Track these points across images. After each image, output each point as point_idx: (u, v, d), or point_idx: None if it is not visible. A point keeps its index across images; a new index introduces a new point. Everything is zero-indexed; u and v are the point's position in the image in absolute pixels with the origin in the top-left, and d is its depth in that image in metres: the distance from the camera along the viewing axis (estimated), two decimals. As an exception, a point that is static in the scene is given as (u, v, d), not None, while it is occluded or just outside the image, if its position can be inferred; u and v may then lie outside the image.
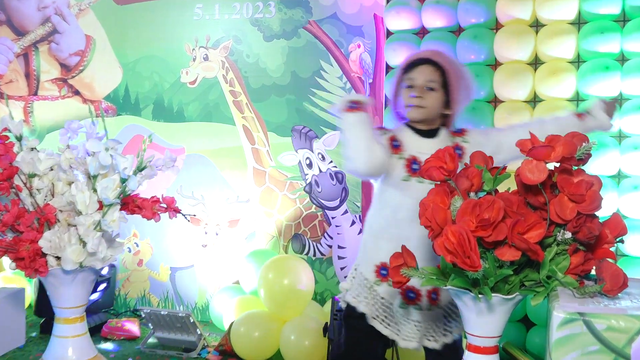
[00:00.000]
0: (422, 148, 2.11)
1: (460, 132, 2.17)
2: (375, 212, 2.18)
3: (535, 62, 3.31)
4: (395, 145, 2.13)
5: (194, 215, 2.00)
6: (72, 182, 1.94)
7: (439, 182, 1.67)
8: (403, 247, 1.69)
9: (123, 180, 1.87)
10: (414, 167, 2.10)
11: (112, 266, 3.96)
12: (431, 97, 2.10)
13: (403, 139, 2.14)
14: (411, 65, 2.14)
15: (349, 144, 2.01)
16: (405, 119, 2.18)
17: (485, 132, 2.18)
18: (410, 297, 2.11)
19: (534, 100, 3.32)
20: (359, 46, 3.91)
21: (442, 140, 2.14)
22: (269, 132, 4.06)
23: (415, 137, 2.13)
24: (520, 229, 1.48)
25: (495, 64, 3.39)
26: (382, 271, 2.14)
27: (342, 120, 2.02)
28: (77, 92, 4.37)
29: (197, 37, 4.13)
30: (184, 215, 2.07)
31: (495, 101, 3.39)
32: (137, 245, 4.24)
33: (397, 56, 3.58)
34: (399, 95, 2.16)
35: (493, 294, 1.51)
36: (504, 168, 1.66)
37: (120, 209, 1.91)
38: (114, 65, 4.28)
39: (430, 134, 2.14)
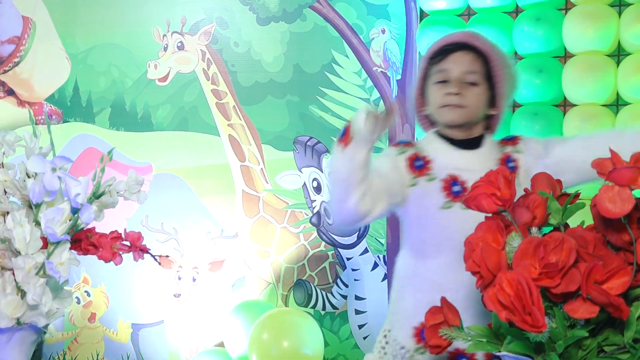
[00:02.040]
0: (462, 163, 2.10)
1: (511, 140, 2.17)
2: (407, 255, 2.17)
3: (618, 54, 3.33)
4: (418, 166, 2.12)
5: (167, 256, 2.01)
6: (8, 213, 1.97)
7: (490, 214, 1.69)
8: (443, 299, 1.70)
9: (75, 211, 1.90)
10: (455, 190, 2.08)
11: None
12: (473, 93, 2.09)
13: (433, 154, 2.13)
14: (442, 52, 2.12)
15: (329, 190, 2.10)
16: (433, 125, 2.18)
17: (545, 143, 2.17)
18: None
19: (617, 104, 3.34)
20: (383, 32, 3.95)
21: (487, 151, 2.13)
22: (263, 145, 4.09)
23: (450, 150, 2.12)
24: (598, 276, 1.49)
25: (564, 56, 3.42)
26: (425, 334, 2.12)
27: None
28: (10, 92, 4.41)
29: (169, 19, 4.18)
30: (153, 256, 2.09)
31: (564, 104, 3.42)
32: (89, 295, 4.26)
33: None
34: (427, 93, 2.15)
35: (562, 363, 1.52)
36: (577, 195, 1.67)
37: (71, 248, 1.93)
38: (59, 57, 4.33)
39: (470, 144, 2.13)
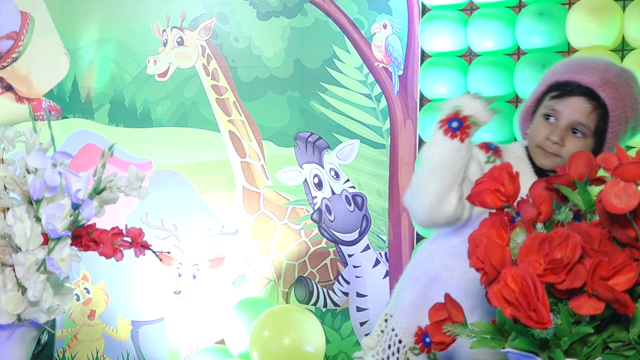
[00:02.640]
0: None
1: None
2: (442, 243, 2.07)
3: (622, 49, 3.33)
4: (493, 148, 2.06)
5: (168, 253, 2.01)
6: (8, 209, 1.97)
7: (494, 210, 1.69)
8: (447, 296, 1.70)
9: (75, 207, 1.90)
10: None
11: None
12: (575, 145, 1.95)
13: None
14: (559, 88, 1.96)
15: (418, 181, 1.96)
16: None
17: None
18: None
19: (620, 99, 3.34)
20: (385, 26, 3.95)
21: None
22: (264, 141, 4.09)
23: (530, 177, 2.00)
24: (603, 272, 1.49)
25: (568, 51, 3.42)
26: (426, 338, 2.05)
27: (430, 142, 1.92)
28: (9, 88, 4.41)
29: (169, 14, 4.18)
30: (154, 252, 2.09)
31: (567, 100, 3.41)
32: (88, 292, 4.26)
33: (435, 39, 3.62)
34: (534, 119, 2.02)
35: (567, 359, 1.52)
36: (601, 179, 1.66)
37: (71, 244, 1.94)
38: (58, 52, 4.33)
39: (543, 173, 2.02)
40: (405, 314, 2.11)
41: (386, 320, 2.18)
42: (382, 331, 2.18)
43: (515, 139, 3.48)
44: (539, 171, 2.03)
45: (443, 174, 1.91)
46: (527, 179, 1.95)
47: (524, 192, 1.95)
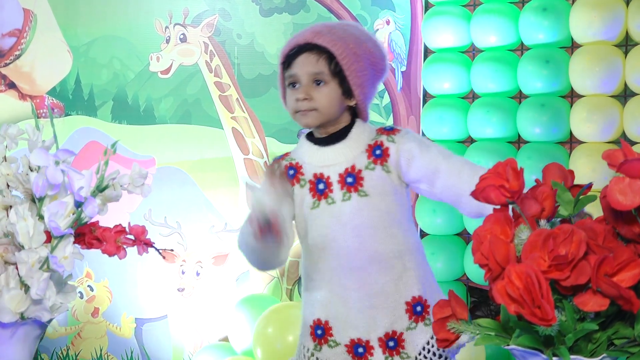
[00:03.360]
0: (327, 159, 2.14)
1: (388, 130, 2.16)
2: (302, 261, 2.26)
3: (626, 44, 3.33)
4: (291, 176, 2.17)
5: (171, 250, 2.01)
6: (11, 207, 1.97)
7: (498, 207, 1.69)
8: (451, 292, 1.70)
9: (78, 204, 1.90)
10: (320, 188, 2.13)
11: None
12: (322, 93, 2.10)
13: (302, 158, 2.17)
14: (289, 57, 2.14)
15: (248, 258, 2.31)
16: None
17: (426, 145, 2.15)
18: (358, 353, 2.13)
19: (624, 95, 3.33)
20: (387, 22, 3.94)
21: (354, 141, 2.14)
22: (267, 138, 4.09)
23: (314, 149, 2.16)
24: (608, 269, 1.49)
25: (571, 46, 3.41)
26: (317, 330, 2.18)
27: None
28: (12, 85, 4.42)
29: (172, 11, 4.18)
30: (157, 249, 2.09)
31: (571, 96, 3.41)
32: (92, 290, 4.27)
33: (438, 35, 3.61)
34: (286, 98, 2.19)
35: (572, 356, 1.52)
36: (589, 187, 1.67)
37: (74, 242, 1.94)
38: (61, 49, 4.33)
39: (336, 137, 2.15)
40: (302, 325, 2.23)
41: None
42: (298, 353, 2.26)
43: (519, 134, 3.48)
44: (321, 140, 2.15)
45: (259, 258, 2.26)
46: (315, 152, 2.15)
47: (324, 160, 2.13)
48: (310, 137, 2.20)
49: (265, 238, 2.06)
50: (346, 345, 2.14)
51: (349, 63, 2.10)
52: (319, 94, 2.10)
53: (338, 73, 2.10)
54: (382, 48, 2.19)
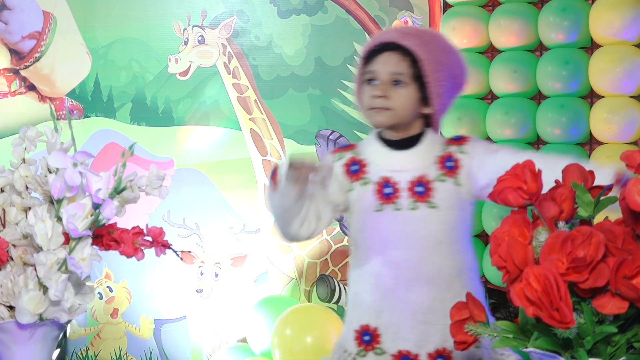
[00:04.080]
0: (396, 164, 2.12)
1: (458, 140, 2.14)
2: (352, 259, 2.21)
3: (647, 44, 3.31)
4: (353, 171, 2.14)
5: (189, 252, 2.02)
6: (30, 208, 1.98)
7: (515, 209, 1.68)
8: (468, 294, 1.70)
9: (96, 206, 1.91)
10: (387, 192, 2.10)
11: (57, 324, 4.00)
12: (399, 94, 2.08)
13: (369, 157, 2.15)
14: (371, 53, 2.13)
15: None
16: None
17: (493, 150, 2.14)
18: None
19: (645, 96, 3.31)
20: (406, 23, 3.93)
21: (425, 150, 2.13)
22: (285, 139, 4.09)
23: (385, 151, 2.13)
24: (627, 271, 1.48)
25: (591, 47, 3.39)
26: (364, 337, 2.13)
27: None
28: (32, 87, 4.44)
29: (190, 13, 4.19)
30: (175, 251, 2.10)
31: (591, 96, 3.39)
32: (111, 290, 4.29)
33: (457, 36, 3.60)
34: (362, 92, 2.16)
35: (591, 359, 1.51)
36: (610, 188, 1.66)
37: (92, 244, 1.94)
38: (80, 52, 4.35)
39: (407, 143, 2.13)
40: (345, 326, 2.21)
41: (337, 342, 2.25)
42: (334, 353, 2.23)
43: (538, 135, 3.47)
44: (392, 143, 2.13)
45: (274, 211, 2.15)
46: (385, 154, 2.12)
47: (393, 165, 2.11)
48: (379, 137, 2.16)
49: (279, 188, 2.05)
50: (393, 356, 2.10)
51: (431, 70, 2.08)
52: (396, 94, 2.08)
53: (418, 78, 2.08)
54: (465, 62, 2.17)
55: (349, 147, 2.20)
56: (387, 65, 2.09)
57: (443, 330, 2.05)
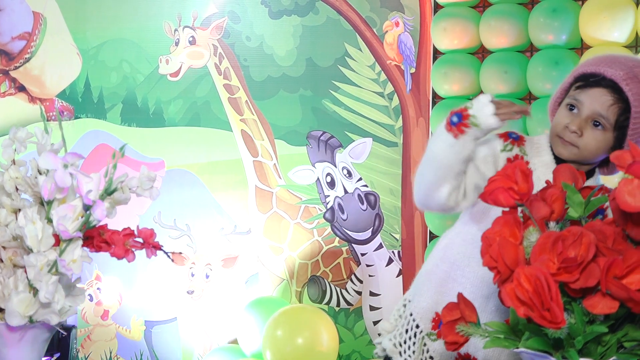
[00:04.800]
0: None
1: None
2: (461, 230, 2.09)
3: (636, 45, 3.32)
4: (515, 138, 2.05)
5: (180, 253, 2.01)
6: (20, 210, 1.97)
7: (507, 209, 1.68)
8: (460, 295, 1.70)
9: (87, 208, 1.90)
10: None
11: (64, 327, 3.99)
12: (593, 136, 1.95)
13: (535, 164, 2.03)
14: (584, 79, 1.96)
15: (419, 166, 2.01)
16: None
17: None
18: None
19: (634, 96, 3.32)
20: (397, 24, 3.94)
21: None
22: (276, 140, 4.09)
23: (550, 165, 2.02)
24: (617, 271, 1.48)
25: (581, 48, 3.40)
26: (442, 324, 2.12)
27: (435, 132, 1.97)
28: (22, 88, 4.43)
29: (181, 13, 4.19)
30: (166, 253, 2.09)
31: (581, 97, 3.40)
32: (101, 292, 4.28)
33: (447, 37, 3.60)
34: (559, 109, 2.03)
35: (582, 359, 1.51)
36: (601, 188, 1.66)
37: (83, 245, 1.94)
38: (70, 52, 4.34)
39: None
40: (424, 300, 2.11)
41: (405, 306, 2.17)
42: (400, 316, 2.16)
43: (528, 135, 3.47)
44: (563, 162, 1.99)
45: (436, 165, 1.96)
46: (545, 170, 2.00)
47: (549, 177, 1.93)
48: (553, 149, 2.04)
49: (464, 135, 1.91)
50: (459, 354, 2.07)
51: (637, 120, 1.93)
52: (591, 136, 1.95)
53: (621, 127, 1.95)
54: None
55: (518, 140, 2.06)
56: (597, 103, 1.93)
57: None
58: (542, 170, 2.03)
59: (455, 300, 2.03)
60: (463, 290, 1.95)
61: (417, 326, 2.13)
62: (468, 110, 1.93)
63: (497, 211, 1.95)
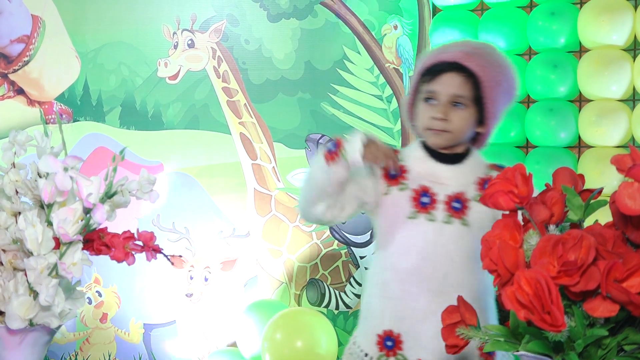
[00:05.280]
0: (438, 176, 2.12)
1: (502, 169, 2.13)
2: (378, 260, 2.20)
3: (635, 48, 3.32)
4: (392, 176, 2.14)
5: (179, 256, 2.01)
6: (20, 213, 1.97)
7: (507, 212, 1.68)
8: (460, 298, 1.70)
9: (87, 211, 1.90)
10: (423, 201, 2.11)
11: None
12: (459, 116, 2.08)
13: (411, 164, 2.14)
14: (433, 71, 2.11)
15: (302, 183, 2.18)
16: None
17: None
18: None
19: (633, 99, 3.33)
20: (395, 27, 3.94)
21: (468, 169, 2.13)
22: (275, 143, 4.09)
23: (429, 161, 2.13)
24: (617, 274, 1.48)
25: (579, 51, 3.41)
26: (387, 342, 2.14)
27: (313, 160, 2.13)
28: (20, 91, 4.43)
29: (179, 16, 4.19)
30: (165, 256, 2.09)
31: (580, 100, 3.41)
32: (100, 295, 4.27)
33: (445, 40, 3.60)
34: (416, 108, 2.14)
35: (582, 362, 1.52)
36: (600, 191, 1.66)
37: (83, 248, 1.94)
38: (69, 55, 4.34)
39: (452, 158, 2.14)
40: (367, 329, 2.19)
41: (354, 343, 2.23)
42: (351, 354, 2.22)
43: (527, 139, 3.48)
44: (437, 154, 2.13)
45: (313, 185, 2.12)
46: (428, 164, 2.12)
47: (435, 176, 2.10)
48: (425, 146, 2.15)
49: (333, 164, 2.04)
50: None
51: (491, 91, 2.08)
52: (457, 116, 2.08)
53: (478, 99, 2.08)
54: (517, 75, 2.16)
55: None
56: (450, 87, 2.07)
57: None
58: (418, 164, 2.13)
59: (387, 324, 2.13)
60: (393, 314, 2.10)
61: (366, 354, 2.17)
62: (342, 142, 2.05)
63: (402, 235, 2.10)
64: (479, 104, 2.08)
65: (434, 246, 2.09)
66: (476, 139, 2.16)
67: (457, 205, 2.10)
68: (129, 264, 2.03)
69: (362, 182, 2.13)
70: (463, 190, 2.11)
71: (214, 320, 4.12)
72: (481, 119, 2.10)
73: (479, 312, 2.04)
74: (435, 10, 3.72)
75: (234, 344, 3.95)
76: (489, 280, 2.15)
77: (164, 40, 4.20)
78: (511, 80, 2.13)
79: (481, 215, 2.09)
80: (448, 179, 2.11)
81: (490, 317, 2.14)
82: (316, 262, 4.02)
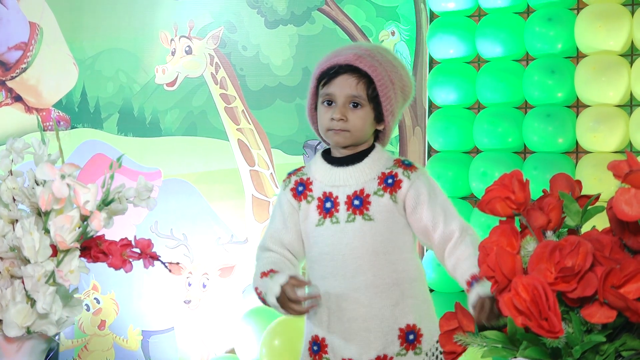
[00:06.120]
0: (338, 179, 2.17)
1: (406, 165, 2.19)
2: (306, 274, 2.27)
3: (632, 53, 3.32)
4: (300, 192, 2.21)
5: (177, 263, 2.02)
6: (17, 220, 1.97)
7: (504, 218, 1.69)
8: (457, 304, 1.70)
9: (84, 218, 1.90)
10: (327, 207, 2.16)
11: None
12: (357, 116, 2.14)
13: (314, 175, 2.21)
14: (328, 74, 2.17)
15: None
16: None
17: (434, 197, 2.17)
18: None
19: (630, 104, 3.33)
20: (393, 34, 3.95)
21: (368, 166, 2.18)
22: (273, 149, 4.09)
23: (328, 168, 2.19)
24: (615, 280, 1.48)
25: (577, 56, 3.41)
26: (314, 347, 2.21)
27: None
28: (18, 98, 4.43)
29: (177, 23, 4.19)
30: (163, 263, 2.09)
31: (577, 105, 3.41)
32: (98, 302, 4.27)
33: (443, 46, 3.61)
34: (317, 110, 2.20)
35: (579, 368, 1.52)
36: (597, 198, 1.67)
37: (80, 256, 1.94)
38: (67, 62, 4.35)
39: (353, 159, 2.19)
40: (304, 340, 2.26)
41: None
42: None
43: (525, 145, 3.48)
44: (336, 160, 2.19)
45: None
46: (328, 170, 2.19)
47: (335, 180, 2.16)
48: (325, 155, 2.23)
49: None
50: None
51: (385, 89, 2.14)
52: (354, 116, 2.14)
53: (374, 98, 2.14)
54: (411, 75, 2.25)
55: (296, 170, 2.28)
56: (345, 88, 2.13)
57: (384, 337, 2.14)
58: (320, 173, 2.20)
59: (314, 330, 2.19)
60: (316, 320, 2.19)
61: None
62: (261, 292, 2.16)
63: (312, 244, 2.18)
64: (376, 103, 2.15)
65: (340, 247, 2.14)
66: (378, 137, 2.23)
67: (357, 203, 2.15)
68: (126, 272, 2.03)
69: (291, 222, 2.22)
70: (363, 187, 2.16)
71: (212, 326, 4.11)
72: (379, 117, 2.17)
73: (400, 298, 2.14)
74: (432, 16, 3.72)
75: (232, 351, 3.95)
76: (412, 266, 2.20)
77: (161, 47, 4.21)
78: (404, 79, 2.19)
79: (384, 208, 2.14)
80: (348, 180, 2.16)
81: (418, 303, 2.18)
82: (314, 269, 4.02)
